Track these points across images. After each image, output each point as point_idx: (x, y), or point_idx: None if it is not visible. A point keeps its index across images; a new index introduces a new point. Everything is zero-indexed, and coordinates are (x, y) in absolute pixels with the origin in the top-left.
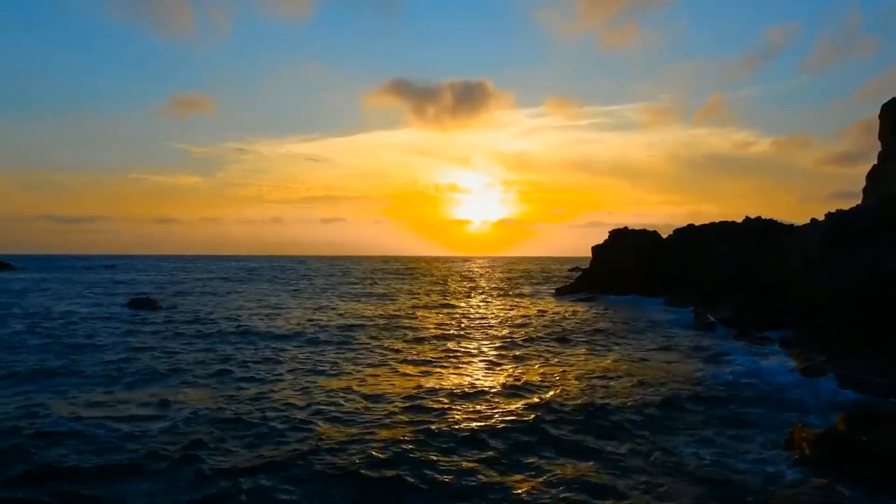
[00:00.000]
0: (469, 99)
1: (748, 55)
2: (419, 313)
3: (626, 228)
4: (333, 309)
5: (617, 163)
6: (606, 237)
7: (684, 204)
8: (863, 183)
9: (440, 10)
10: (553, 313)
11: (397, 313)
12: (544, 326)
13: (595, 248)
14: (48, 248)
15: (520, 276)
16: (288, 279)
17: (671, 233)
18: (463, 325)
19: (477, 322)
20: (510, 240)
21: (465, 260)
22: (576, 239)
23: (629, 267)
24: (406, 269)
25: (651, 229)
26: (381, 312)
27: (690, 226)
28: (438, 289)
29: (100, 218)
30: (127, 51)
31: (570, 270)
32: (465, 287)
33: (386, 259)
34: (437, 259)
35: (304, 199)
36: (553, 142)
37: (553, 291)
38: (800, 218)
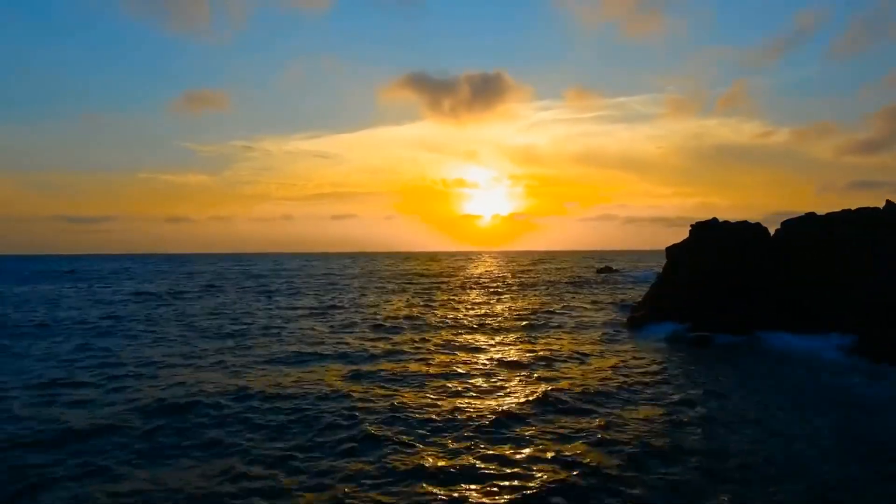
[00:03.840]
0: (486, 91)
1: (775, 41)
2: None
3: (714, 220)
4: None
5: (629, 155)
6: (687, 234)
7: (695, 195)
8: (884, 172)
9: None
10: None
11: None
12: None
13: (673, 251)
14: (62, 248)
15: (549, 282)
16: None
17: (777, 227)
18: None
19: None
20: (521, 233)
21: (478, 255)
22: (588, 232)
23: (727, 277)
24: (413, 273)
25: (752, 222)
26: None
27: (811, 215)
28: (452, 322)
29: (112, 218)
30: (139, 48)
31: (599, 271)
32: (490, 313)
33: (392, 255)
34: (451, 255)
35: (311, 197)
36: (564, 135)
37: (619, 316)
38: (818, 209)
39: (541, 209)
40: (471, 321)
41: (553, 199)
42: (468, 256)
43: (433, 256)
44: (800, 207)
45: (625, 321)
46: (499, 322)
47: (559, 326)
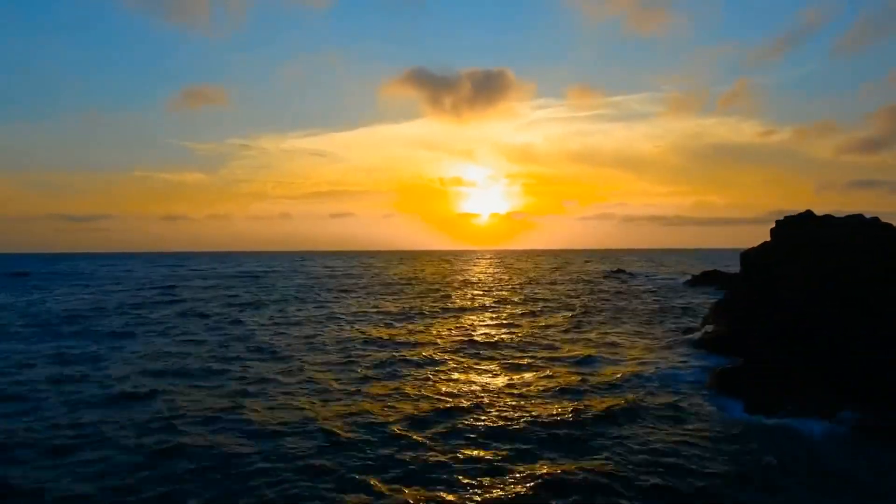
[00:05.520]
0: (488, 88)
1: (777, 40)
2: None
3: (808, 214)
4: None
5: (627, 154)
6: (770, 236)
7: (693, 194)
8: (884, 171)
9: None
10: None
11: None
12: None
13: (751, 257)
14: (59, 247)
15: (565, 295)
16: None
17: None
18: None
19: None
20: (519, 232)
21: (477, 255)
22: (586, 230)
23: (846, 299)
24: (404, 281)
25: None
26: None
27: None
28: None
29: (109, 216)
30: (137, 44)
31: (613, 272)
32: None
33: (390, 254)
34: (450, 255)
35: (309, 195)
36: (562, 133)
37: (699, 375)
38: (817, 208)
39: (538, 208)
40: (467, 389)
41: (551, 198)
42: (467, 256)
43: (431, 257)
44: (799, 206)
45: (712, 381)
46: (506, 401)
47: (618, 412)
